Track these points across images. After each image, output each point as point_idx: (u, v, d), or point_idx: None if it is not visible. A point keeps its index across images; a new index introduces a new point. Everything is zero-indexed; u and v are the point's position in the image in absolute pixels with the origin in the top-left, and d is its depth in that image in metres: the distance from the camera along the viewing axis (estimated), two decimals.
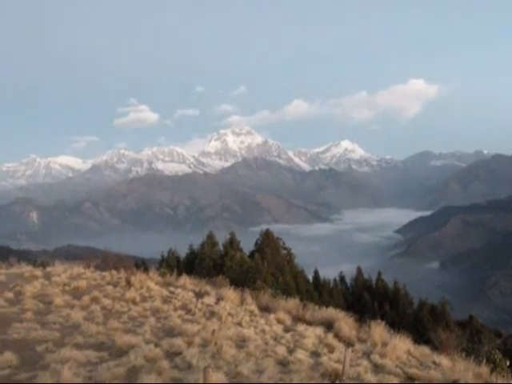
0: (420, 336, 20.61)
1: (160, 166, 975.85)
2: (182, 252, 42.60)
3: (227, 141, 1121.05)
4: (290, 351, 11.63)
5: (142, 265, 34.28)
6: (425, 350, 14.24)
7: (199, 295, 18.79)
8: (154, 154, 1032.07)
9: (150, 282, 19.63)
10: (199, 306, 16.37)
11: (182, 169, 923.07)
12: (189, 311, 15.42)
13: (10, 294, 14.91)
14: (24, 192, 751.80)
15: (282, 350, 11.48)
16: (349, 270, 51.77)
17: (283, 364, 10.24)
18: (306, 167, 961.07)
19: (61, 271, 20.64)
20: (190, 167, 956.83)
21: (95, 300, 15.28)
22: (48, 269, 21.67)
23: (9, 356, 8.24)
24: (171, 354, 9.62)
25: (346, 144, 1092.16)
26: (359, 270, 48.35)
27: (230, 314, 15.75)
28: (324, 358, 11.12)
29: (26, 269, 21.78)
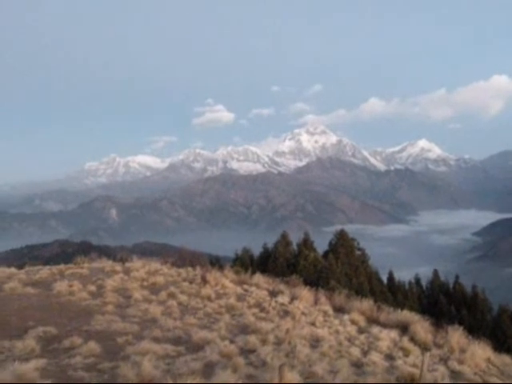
0: (500, 344, 19.86)
1: (235, 165, 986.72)
2: (256, 251, 42.94)
3: (301, 140, 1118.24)
4: (365, 353, 11.50)
5: (216, 262, 34.82)
6: (506, 358, 13.69)
7: (273, 294, 18.89)
8: (229, 154, 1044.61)
9: (225, 280, 19.93)
10: (273, 304, 16.46)
11: (256, 168, 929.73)
12: (263, 309, 15.54)
13: (93, 288, 15.54)
14: (105, 190, 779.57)
15: (356, 352, 11.38)
16: (425, 273, 50.48)
17: (357, 366, 10.15)
18: (382, 167, 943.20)
19: (139, 267, 21.29)
20: (264, 166, 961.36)
21: (172, 296, 15.67)
22: (127, 264, 22.41)
23: (93, 345, 8.63)
24: (246, 351, 9.74)
25: (422, 143, 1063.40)
26: (436, 273, 47.03)
27: (303, 313, 15.76)
28: (399, 362, 10.93)
29: (106, 264, 22.63)
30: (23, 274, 18.25)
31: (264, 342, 10.59)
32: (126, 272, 19.63)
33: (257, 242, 46.64)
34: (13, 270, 19.76)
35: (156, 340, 9.68)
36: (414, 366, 10.47)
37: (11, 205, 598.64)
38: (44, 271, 18.77)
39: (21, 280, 16.28)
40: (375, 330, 14.59)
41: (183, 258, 25.60)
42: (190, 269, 22.42)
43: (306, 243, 40.72)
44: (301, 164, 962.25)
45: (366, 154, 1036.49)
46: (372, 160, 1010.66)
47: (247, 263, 36.61)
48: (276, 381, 6.72)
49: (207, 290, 17.18)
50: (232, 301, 16.07)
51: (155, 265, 22.69)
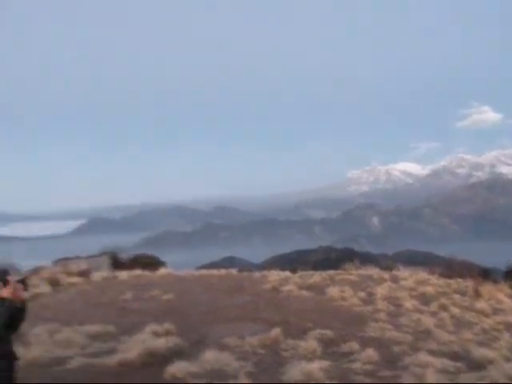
0: None
1: (503, 169, 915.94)
2: None
3: None
4: None
5: (486, 274, 32.69)
6: None
7: None
8: (497, 157, 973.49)
9: (500, 294, 18.62)
10: None
11: None
12: None
13: (363, 294, 15.86)
14: (366, 198, 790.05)
15: None
16: None
17: None
18: None
19: (407, 276, 21.08)
20: None
21: (443, 307, 15.14)
22: (394, 272, 22.37)
23: (370, 352, 8.76)
24: None
25: None
26: None
27: None
28: None
29: (373, 271, 22.88)
30: (297, 277, 19.49)
31: None
32: (394, 280, 19.60)
33: None
34: (287, 273, 21.26)
35: (432, 353, 9.40)
36: None
37: (281, 212, 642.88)
38: (316, 276, 19.76)
39: (296, 283, 17.43)
40: None
41: (451, 269, 24.63)
42: (459, 280, 21.47)
43: None
44: None
45: None
46: None
47: None
48: None
49: (481, 304, 16.22)
50: (510, 318, 14.90)
51: (422, 274, 22.25)
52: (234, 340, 9.70)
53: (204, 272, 23.85)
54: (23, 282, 4.15)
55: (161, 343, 8.94)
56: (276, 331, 10.01)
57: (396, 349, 9.60)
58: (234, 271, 23.31)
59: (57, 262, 26.50)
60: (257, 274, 21.58)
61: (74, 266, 21.68)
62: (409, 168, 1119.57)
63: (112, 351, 9.02)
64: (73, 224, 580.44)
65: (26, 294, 4.15)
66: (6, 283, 3.98)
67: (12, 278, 4.06)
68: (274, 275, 19.94)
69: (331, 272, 21.47)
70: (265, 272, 21.98)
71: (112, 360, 8.37)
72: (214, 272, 22.81)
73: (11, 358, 4.08)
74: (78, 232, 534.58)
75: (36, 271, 21.87)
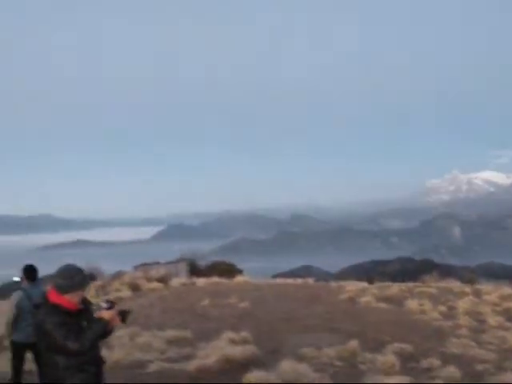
0: None
1: None
2: None
3: None
4: None
5: None
6: None
7: None
8: None
9: None
10: None
11: None
12: None
13: (443, 308, 15.35)
14: (446, 207, 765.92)
15: None
16: None
17: None
18: None
19: (490, 290, 20.25)
20: None
21: None
22: (476, 286, 21.57)
23: (452, 370, 8.44)
24: None
25: None
26: None
27: None
28: None
29: (454, 284, 22.17)
30: (374, 289, 19.16)
31: None
32: (476, 294, 18.87)
33: None
34: (364, 284, 20.97)
35: None
36: None
37: (357, 222, 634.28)
38: (393, 288, 19.38)
39: (373, 295, 17.15)
40: None
41: None
42: None
43: None
44: None
45: None
46: None
47: None
48: None
49: None
50: None
51: (507, 289, 21.29)
52: (311, 350, 9.65)
53: (280, 281, 23.95)
54: (125, 313, 4.25)
55: (238, 351, 9.04)
56: (353, 343, 9.88)
57: (479, 367, 9.19)
58: (310, 280, 23.26)
59: (137, 267, 27.38)
60: (333, 284, 21.44)
61: (154, 272, 22.34)
62: (492, 177, 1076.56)
63: (190, 357, 9.22)
64: (152, 230, 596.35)
65: (119, 325, 4.28)
66: (112, 306, 4.13)
67: (117, 306, 4.20)
68: (351, 286, 19.73)
69: (410, 284, 21.01)
70: (341, 282, 21.80)
71: (190, 365, 8.54)
72: (290, 281, 22.87)
73: (99, 362, 4.25)
74: (158, 238, 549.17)
75: (117, 276, 22.70)
